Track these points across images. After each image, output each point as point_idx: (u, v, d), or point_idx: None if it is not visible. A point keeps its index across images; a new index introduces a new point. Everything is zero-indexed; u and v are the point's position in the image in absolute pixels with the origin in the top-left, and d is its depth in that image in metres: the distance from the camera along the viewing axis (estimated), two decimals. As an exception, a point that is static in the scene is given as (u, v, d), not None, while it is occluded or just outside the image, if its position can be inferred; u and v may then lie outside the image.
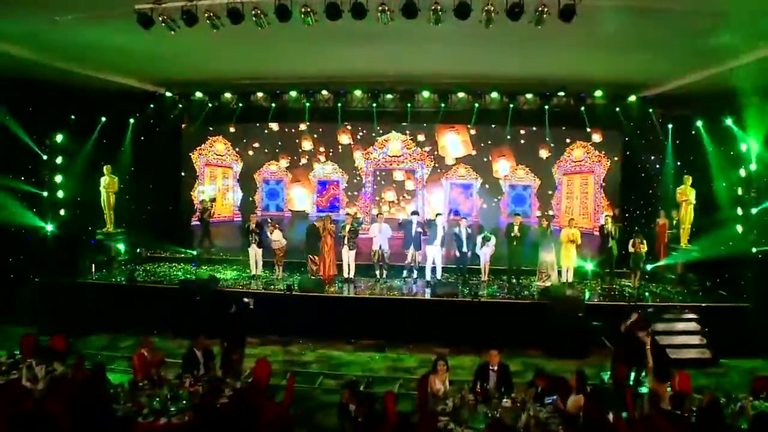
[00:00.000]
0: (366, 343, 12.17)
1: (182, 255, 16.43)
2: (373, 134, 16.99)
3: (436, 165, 16.92)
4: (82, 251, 15.10)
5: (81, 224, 15.45)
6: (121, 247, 15.87)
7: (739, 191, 13.13)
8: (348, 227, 14.03)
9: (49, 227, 14.70)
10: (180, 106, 16.73)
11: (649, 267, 14.32)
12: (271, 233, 14.31)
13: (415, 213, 14.30)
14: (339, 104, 15.94)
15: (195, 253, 15.95)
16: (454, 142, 16.90)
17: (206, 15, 8.91)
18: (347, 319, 12.50)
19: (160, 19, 8.98)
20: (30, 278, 13.82)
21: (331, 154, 17.24)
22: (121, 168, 16.22)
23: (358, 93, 15.58)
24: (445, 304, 12.42)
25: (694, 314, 12.12)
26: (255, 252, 14.48)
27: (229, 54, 12.56)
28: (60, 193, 15.17)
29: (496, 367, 8.30)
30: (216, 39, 10.75)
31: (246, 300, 10.09)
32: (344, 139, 17.19)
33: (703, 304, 12.34)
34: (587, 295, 13.10)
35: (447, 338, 12.06)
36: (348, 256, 14.08)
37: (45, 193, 14.85)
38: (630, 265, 13.81)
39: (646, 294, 13.41)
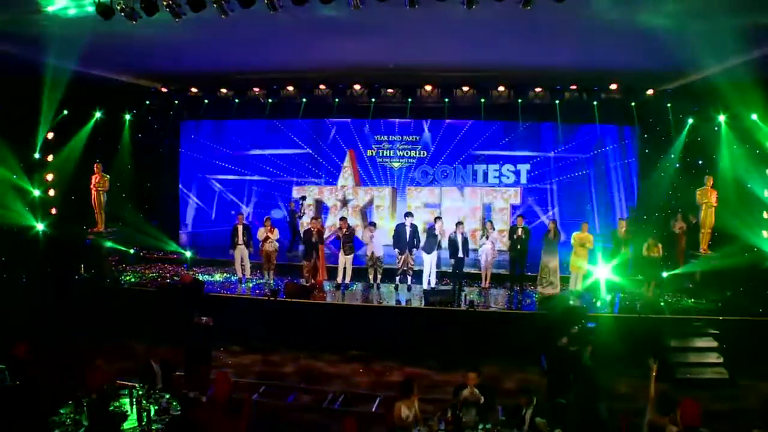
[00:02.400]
0: (352, 354, 11.41)
1: (177, 256, 15.90)
2: (368, 129, 16.22)
3: (442, 163, 16.10)
4: (73, 251, 14.72)
5: (73, 223, 15.06)
6: (114, 247, 15.42)
7: (765, 193, 11.97)
8: (344, 231, 13.37)
9: (40, 226, 14.33)
10: (176, 101, 16.26)
11: (665, 274, 13.17)
12: (271, 233, 13.65)
13: (408, 215, 13.48)
14: (336, 99, 15.28)
15: (188, 254, 15.40)
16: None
17: (165, 3, 8.31)
18: (333, 328, 11.79)
19: (119, 8, 8.47)
20: (20, 279, 13.48)
21: (328, 150, 16.47)
22: (117, 166, 15.86)
23: (357, 87, 14.91)
24: (438, 313, 11.58)
25: (712, 329, 11.05)
26: (242, 254, 13.83)
27: (224, 48, 12.10)
28: (51, 192, 14.86)
29: (474, 389, 7.45)
30: (209, 33, 10.57)
31: (204, 319, 9.43)
32: (344, 134, 16.40)
33: (721, 318, 11.23)
34: (598, 305, 12.14)
35: (440, 350, 11.22)
36: (344, 260, 13.38)
37: (36, 192, 14.50)
38: (644, 272, 12.69)
39: (662, 305, 12.30)
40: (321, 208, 16.60)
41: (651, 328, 11.10)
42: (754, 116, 12.08)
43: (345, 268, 13.45)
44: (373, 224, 13.84)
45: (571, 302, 11.59)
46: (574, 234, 13.06)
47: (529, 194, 15.86)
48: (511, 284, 13.37)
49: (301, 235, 14.02)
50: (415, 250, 13.20)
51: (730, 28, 9.32)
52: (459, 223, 13.10)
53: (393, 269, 13.57)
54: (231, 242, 13.80)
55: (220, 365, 10.51)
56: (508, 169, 15.93)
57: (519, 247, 12.97)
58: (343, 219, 13.74)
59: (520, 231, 12.94)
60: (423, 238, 13.17)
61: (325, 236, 14.56)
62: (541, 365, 8.82)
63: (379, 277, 13.43)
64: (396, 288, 13.35)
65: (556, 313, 10.94)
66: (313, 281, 13.22)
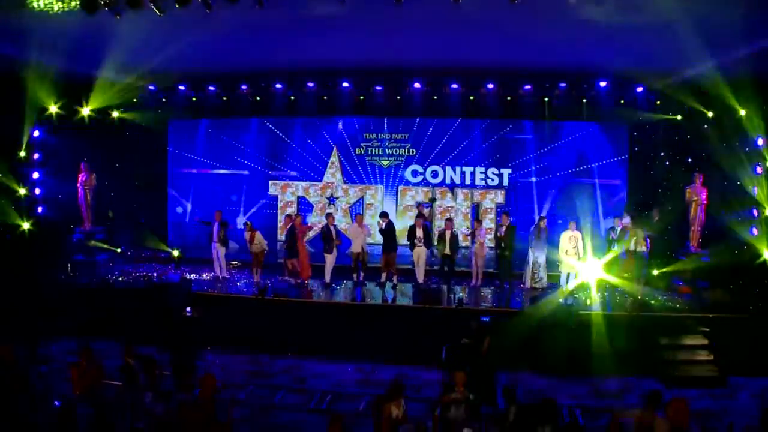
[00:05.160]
0: (340, 353, 11.28)
1: (165, 255, 15.76)
2: (357, 127, 16.19)
3: (431, 163, 16.00)
4: (60, 250, 14.57)
5: (60, 222, 14.96)
6: (101, 245, 15.29)
7: (755, 190, 11.97)
8: (333, 229, 13.32)
9: (26, 225, 14.18)
10: (164, 99, 16.14)
11: (655, 272, 13.12)
12: (252, 236, 13.55)
13: (383, 214, 13.44)
14: (324, 97, 15.26)
15: (176, 253, 15.24)
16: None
17: (149, -3, 8.24)
18: (322, 327, 11.64)
19: (103, 2, 8.38)
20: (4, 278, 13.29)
21: (316, 147, 16.37)
22: (104, 164, 15.74)
23: (345, 85, 14.87)
24: (425, 311, 11.49)
25: (703, 327, 11.01)
26: (218, 251, 13.77)
27: (212, 45, 12.07)
28: (37, 191, 14.74)
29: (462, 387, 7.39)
30: (198, 29, 10.49)
31: (189, 309, 9.34)
32: (332, 132, 16.30)
33: (711, 315, 11.19)
34: (588, 303, 12.09)
35: (427, 349, 11.09)
36: (327, 258, 13.28)
37: (22, 190, 14.35)
38: (631, 269, 12.57)
39: (652, 303, 12.24)
40: (300, 204, 16.45)
41: (641, 325, 11.03)
42: (743, 113, 12.06)
43: (329, 267, 13.38)
44: (360, 215, 13.82)
45: (561, 301, 11.50)
46: (563, 233, 12.99)
47: (515, 193, 15.75)
48: (501, 282, 13.31)
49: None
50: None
51: (718, 24, 9.31)
52: (448, 220, 13.01)
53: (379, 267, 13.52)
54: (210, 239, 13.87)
55: (208, 364, 10.41)
56: (492, 173, 15.79)
57: (504, 244, 12.90)
58: (330, 215, 13.74)
59: (504, 229, 12.89)
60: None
61: (311, 233, 14.49)
62: (441, 357, 8.82)
63: (362, 275, 13.39)
64: (382, 286, 13.26)
65: (548, 312, 10.92)
66: (298, 280, 13.15)
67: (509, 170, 15.73)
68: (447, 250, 12.62)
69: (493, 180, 15.82)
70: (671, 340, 10.84)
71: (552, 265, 13.06)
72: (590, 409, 9.07)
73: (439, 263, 13.25)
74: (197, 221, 13.88)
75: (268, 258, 13.86)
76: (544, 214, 14.48)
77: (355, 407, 9.20)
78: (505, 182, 15.75)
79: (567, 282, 12.83)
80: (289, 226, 13.44)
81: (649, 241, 12.30)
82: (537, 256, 12.67)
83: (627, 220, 12.84)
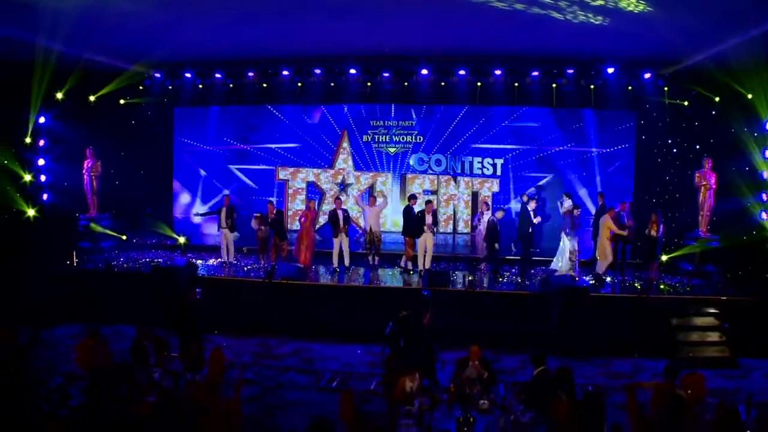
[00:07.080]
0: (349, 336, 11.20)
1: (172, 241, 15.74)
2: (363, 114, 16.12)
3: (436, 151, 15.93)
4: (65, 237, 14.50)
5: (66, 209, 14.88)
6: (106, 233, 15.24)
7: (765, 174, 11.92)
8: (341, 213, 13.27)
9: (31, 211, 14.13)
10: (170, 87, 16.09)
11: (664, 257, 13.03)
12: (261, 224, 13.51)
13: (412, 197, 13.40)
14: (332, 83, 15.19)
15: (182, 240, 15.19)
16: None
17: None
18: (330, 310, 11.60)
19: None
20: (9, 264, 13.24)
21: (323, 135, 16.30)
22: (110, 152, 15.68)
23: (352, 72, 14.79)
24: (437, 293, 11.39)
25: (713, 309, 10.97)
26: (226, 236, 13.72)
27: (218, 30, 12.04)
28: (43, 177, 14.68)
29: (477, 363, 7.38)
30: (203, 12, 10.43)
31: (198, 290, 9.31)
32: (339, 119, 16.21)
33: (723, 297, 11.16)
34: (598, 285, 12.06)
35: (438, 331, 11.03)
36: (338, 243, 13.25)
37: (28, 177, 14.30)
38: (643, 252, 12.56)
39: (661, 286, 12.18)
40: (308, 190, 16.41)
41: (653, 307, 10.99)
42: (750, 96, 12.01)
43: (341, 252, 13.31)
44: (373, 197, 13.95)
45: (571, 283, 11.44)
46: (603, 220, 12.68)
47: (518, 181, 15.67)
48: (522, 267, 13.15)
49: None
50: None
51: (726, 6, 9.24)
52: (499, 209, 13.15)
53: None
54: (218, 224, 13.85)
55: (216, 347, 10.34)
56: (488, 162, 15.73)
57: (531, 230, 12.85)
58: (339, 199, 13.76)
59: (532, 214, 12.79)
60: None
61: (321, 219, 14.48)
62: (386, 332, 8.71)
63: (378, 259, 13.32)
64: (397, 271, 13.24)
65: (560, 293, 10.88)
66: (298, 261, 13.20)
67: (501, 160, 15.65)
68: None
69: (488, 169, 15.76)
70: (682, 321, 10.80)
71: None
72: (602, 388, 9.00)
73: None
74: (200, 214, 13.84)
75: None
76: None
77: (365, 387, 9.15)
78: (498, 171, 15.68)
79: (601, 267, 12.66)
80: (275, 210, 13.54)
81: (662, 226, 12.22)
82: (574, 243, 12.47)
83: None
